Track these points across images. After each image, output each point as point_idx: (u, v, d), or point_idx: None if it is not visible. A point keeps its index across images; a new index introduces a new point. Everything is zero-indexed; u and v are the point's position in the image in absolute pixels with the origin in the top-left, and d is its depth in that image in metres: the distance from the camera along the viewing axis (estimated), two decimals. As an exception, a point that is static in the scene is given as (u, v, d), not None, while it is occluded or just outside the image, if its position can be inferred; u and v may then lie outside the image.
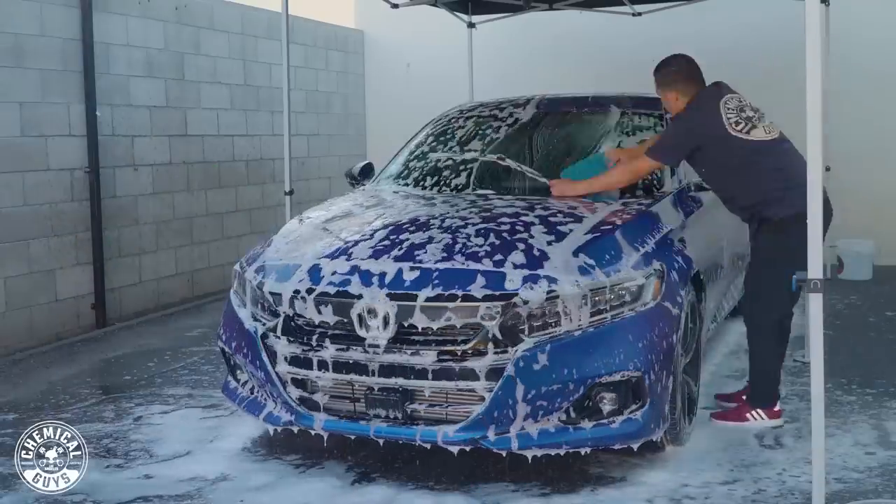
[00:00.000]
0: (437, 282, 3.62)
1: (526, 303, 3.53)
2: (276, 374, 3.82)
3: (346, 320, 3.71)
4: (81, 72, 6.57)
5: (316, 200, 6.27)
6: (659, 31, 8.74)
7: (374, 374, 3.64)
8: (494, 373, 3.48)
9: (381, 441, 3.74)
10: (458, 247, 3.80)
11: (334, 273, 3.82)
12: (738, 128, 4.21)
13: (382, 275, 3.72)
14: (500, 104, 5.70)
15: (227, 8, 8.33)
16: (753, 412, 4.32)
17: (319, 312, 3.77)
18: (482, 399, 3.52)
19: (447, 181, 5.19)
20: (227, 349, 4.18)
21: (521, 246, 3.79)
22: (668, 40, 9.00)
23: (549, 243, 3.79)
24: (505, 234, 3.90)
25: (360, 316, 3.65)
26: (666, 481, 3.70)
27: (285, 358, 3.79)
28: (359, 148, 10.57)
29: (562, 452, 3.61)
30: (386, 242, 3.94)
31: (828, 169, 7.22)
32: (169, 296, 7.55)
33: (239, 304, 4.15)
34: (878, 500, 3.49)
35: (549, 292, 3.54)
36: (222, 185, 8.17)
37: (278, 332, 3.84)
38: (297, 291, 3.83)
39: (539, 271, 3.60)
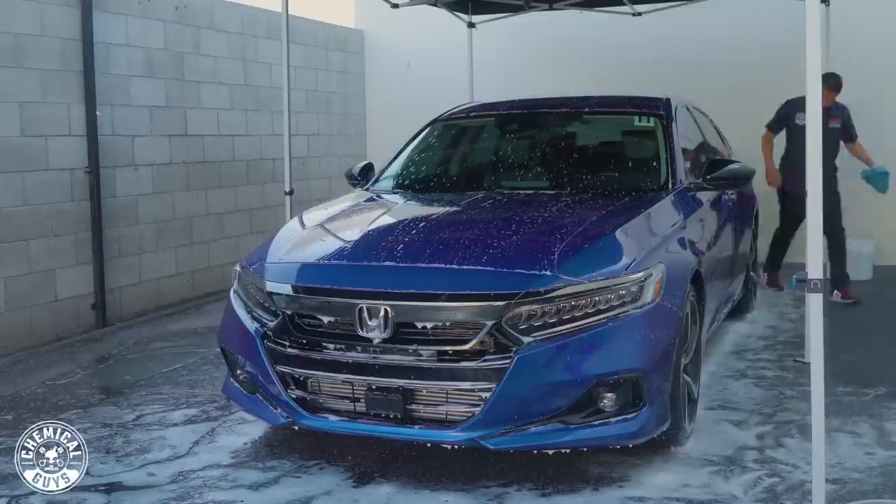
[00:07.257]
0: (437, 282, 3.61)
1: (526, 303, 3.52)
2: (276, 373, 3.81)
3: (346, 320, 3.71)
4: (81, 72, 6.58)
5: (316, 200, 6.28)
6: (659, 31, 8.75)
7: (373, 374, 3.63)
8: (494, 373, 3.48)
9: (386, 439, 3.74)
10: (457, 247, 3.79)
11: (334, 273, 3.83)
12: None
13: (382, 275, 3.72)
14: (500, 104, 5.70)
15: (227, 8, 8.33)
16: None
17: (319, 312, 3.77)
18: (482, 399, 3.51)
19: (445, 182, 5.19)
20: (227, 349, 4.19)
21: (521, 246, 3.79)
22: (668, 40, 9.07)
23: (549, 243, 3.78)
24: (504, 234, 3.90)
25: (359, 316, 3.64)
26: (666, 481, 3.69)
27: (285, 357, 3.79)
28: (359, 148, 10.57)
29: (567, 451, 3.62)
30: (385, 242, 3.94)
31: (828, 169, 7.22)
32: (169, 296, 7.55)
33: (239, 303, 4.14)
34: (878, 500, 3.49)
35: (549, 292, 3.53)
36: (222, 185, 8.17)
37: (278, 332, 3.84)
38: (297, 291, 3.84)
39: (539, 271, 3.59)
